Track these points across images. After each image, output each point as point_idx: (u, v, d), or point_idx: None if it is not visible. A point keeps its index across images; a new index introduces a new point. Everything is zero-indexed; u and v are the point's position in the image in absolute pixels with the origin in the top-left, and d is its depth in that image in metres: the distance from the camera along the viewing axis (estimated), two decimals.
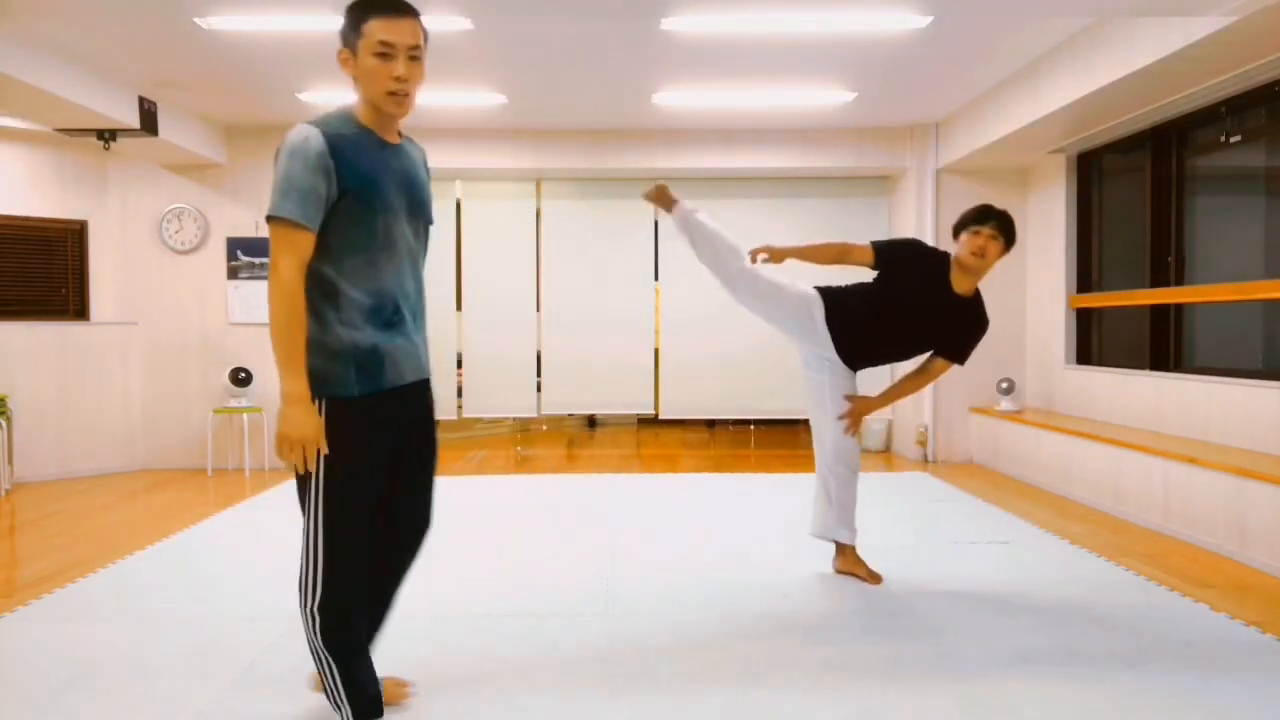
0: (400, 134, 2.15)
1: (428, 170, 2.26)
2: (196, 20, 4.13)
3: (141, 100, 5.35)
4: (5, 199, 6.09)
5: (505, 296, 7.18)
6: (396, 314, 2.07)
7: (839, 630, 2.98)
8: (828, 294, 3.44)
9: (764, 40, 4.65)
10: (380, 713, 2.15)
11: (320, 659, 2.09)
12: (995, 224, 3.25)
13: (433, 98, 5.74)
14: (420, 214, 2.15)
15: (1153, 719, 2.33)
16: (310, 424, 1.94)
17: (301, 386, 1.93)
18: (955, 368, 3.48)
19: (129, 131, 5.35)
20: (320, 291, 2.00)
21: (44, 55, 4.46)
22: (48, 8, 3.78)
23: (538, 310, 7.20)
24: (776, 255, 3.39)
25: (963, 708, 2.39)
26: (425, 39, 2.05)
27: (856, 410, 3.48)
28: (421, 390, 2.19)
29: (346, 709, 2.11)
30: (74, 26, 4.36)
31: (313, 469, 1.97)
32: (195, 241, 6.52)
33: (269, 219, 1.95)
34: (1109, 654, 2.75)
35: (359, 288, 2.01)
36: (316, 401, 1.97)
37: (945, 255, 3.37)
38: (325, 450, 1.97)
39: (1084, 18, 4.33)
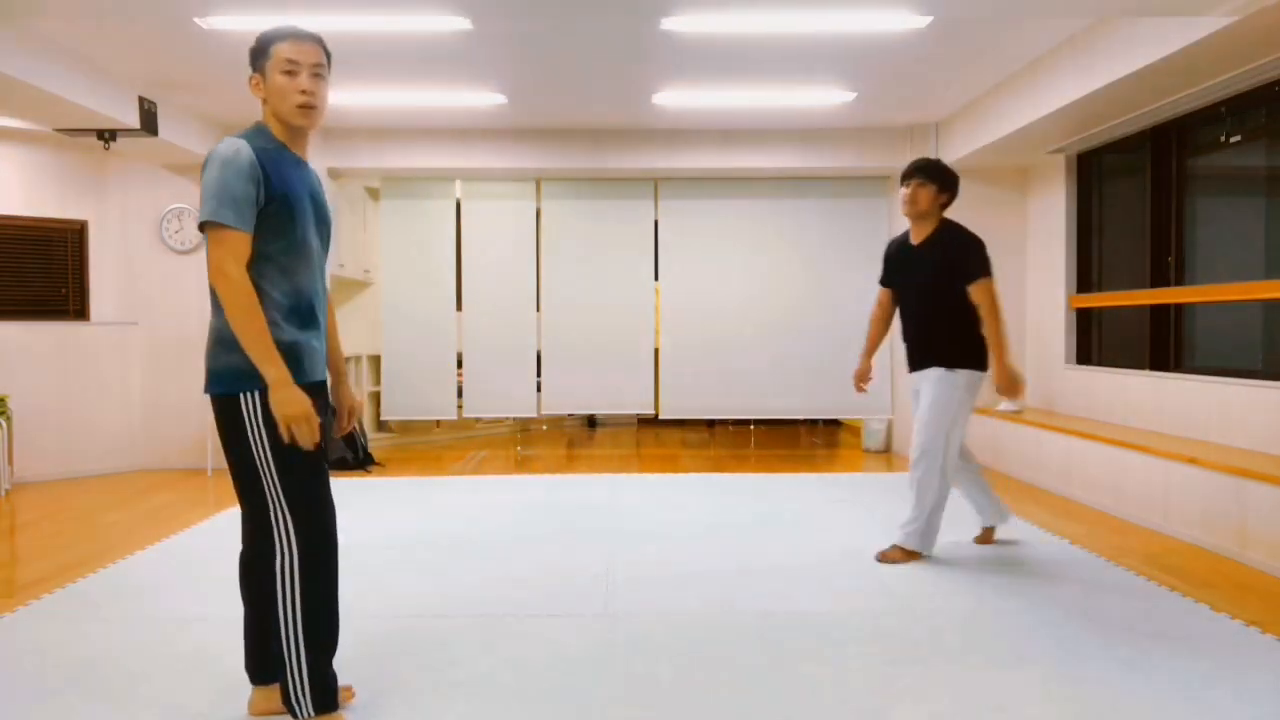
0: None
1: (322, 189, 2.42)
2: (196, 20, 4.13)
3: (141, 100, 5.35)
4: (5, 199, 6.10)
5: (505, 296, 7.19)
6: (311, 313, 2.21)
7: (838, 630, 2.98)
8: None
9: (764, 40, 4.65)
10: (336, 706, 2.22)
11: (294, 651, 2.14)
12: (918, 176, 3.73)
13: (433, 98, 5.74)
14: (325, 224, 2.31)
15: (1152, 719, 2.33)
16: (303, 399, 2.07)
17: (283, 371, 2.05)
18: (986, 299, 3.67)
19: (129, 131, 5.35)
20: None
21: (44, 55, 4.46)
22: (48, 8, 3.78)
23: (538, 310, 7.21)
24: (864, 374, 4.00)
25: (962, 707, 2.39)
26: (329, 61, 2.23)
27: (1007, 382, 3.67)
28: (322, 389, 2.31)
29: (307, 704, 2.16)
30: (74, 26, 4.36)
31: (317, 439, 2.09)
32: (195, 241, 6.52)
33: (209, 224, 2.04)
34: (1109, 654, 2.75)
35: (279, 288, 2.14)
36: (248, 394, 2.08)
37: (904, 233, 3.91)
38: (319, 418, 2.10)
39: (1084, 18, 4.33)
